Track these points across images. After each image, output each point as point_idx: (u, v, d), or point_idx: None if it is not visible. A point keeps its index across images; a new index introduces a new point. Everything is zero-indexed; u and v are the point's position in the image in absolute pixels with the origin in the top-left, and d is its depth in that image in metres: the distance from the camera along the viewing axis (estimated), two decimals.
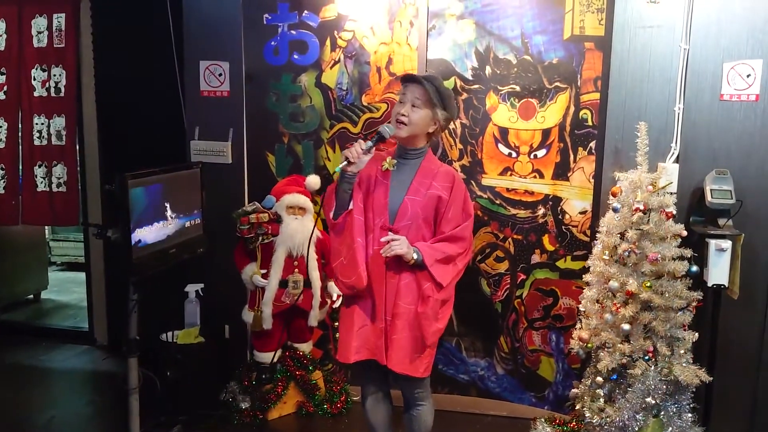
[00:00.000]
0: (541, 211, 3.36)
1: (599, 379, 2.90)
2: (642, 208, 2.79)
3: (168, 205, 2.82)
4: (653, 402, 2.75)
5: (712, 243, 2.93)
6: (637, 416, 2.76)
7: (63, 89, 4.14)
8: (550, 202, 3.35)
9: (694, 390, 2.82)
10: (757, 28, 3.02)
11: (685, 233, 2.82)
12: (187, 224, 2.99)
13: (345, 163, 2.34)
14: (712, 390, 3.04)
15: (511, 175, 3.38)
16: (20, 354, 4.32)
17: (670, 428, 2.78)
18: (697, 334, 2.81)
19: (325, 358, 3.71)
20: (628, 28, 3.12)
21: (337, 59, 3.51)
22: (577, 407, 3.04)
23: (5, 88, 4.20)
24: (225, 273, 3.53)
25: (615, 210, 2.90)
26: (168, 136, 3.80)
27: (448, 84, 3.37)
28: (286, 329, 3.47)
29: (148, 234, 2.68)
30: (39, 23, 4.13)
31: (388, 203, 2.44)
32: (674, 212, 2.82)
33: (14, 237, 4.97)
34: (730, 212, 3.00)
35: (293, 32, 3.54)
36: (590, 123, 3.25)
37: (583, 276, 3.07)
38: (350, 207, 2.42)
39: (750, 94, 3.06)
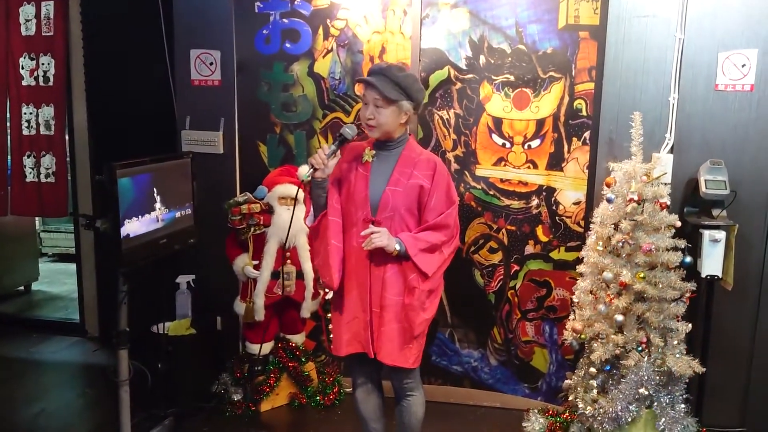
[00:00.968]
0: (534, 201, 3.35)
1: (592, 370, 2.89)
2: (636, 198, 2.77)
3: (158, 196, 2.79)
4: (646, 393, 2.75)
5: (706, 234, 2.92)
6: (630, 407, 2.76)
7: (52, 78, 4.09)
8: (544, 193, 3.33)
9: (687, 381, 2.82)
10: (752, 17, 3.01)
11: (679, 224, 2.81)
12: (178, 215, 2.95)
13: (311, 170, 2.35)
14: (705, 381, 3.04)
15: (504, 165, 3.36)
16: (10, 346, 4.29)
17: (663, 419, 2.78)
18: (690, 325, 2.80)
19: (317, 350, 3.70)
20: (623, 18, 3.10)
21: (329, 48, 3.47)
22: (571, 398, 3.04)
23: None
24: (217, 264, 3.50)
25: (609, 201, 2.89)
26: (159, 126, 3.77)
27: (442, 74, 3.34)
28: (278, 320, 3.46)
29: (137, 225, 2.64)
30: (27, 11, 4.07)
31: (368, 195, 2.42)
32: (668, 203, 2.81)
33: (4, 228, 4.93)
34: (724, 203, 3.00)
35: (285, 20, 3.50)
36: (584, 113, 3.23)
37: (577, 267, 3.06)
38: (326, 209, 2.44)
39: (745, 84, 3.05)
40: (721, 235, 2.92)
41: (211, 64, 3.58)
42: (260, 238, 3.33)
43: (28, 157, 4.15)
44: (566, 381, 3.14)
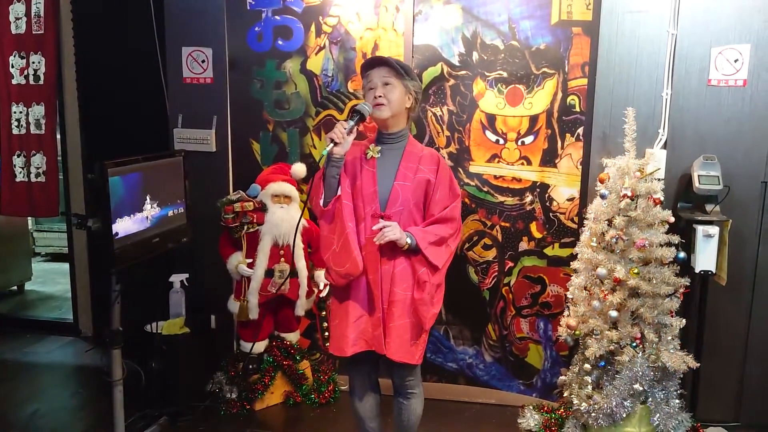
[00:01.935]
0: (528, 198, 3.35)
1: (587, 366, 2.90)
2: (630, 194, 2.78)
3: (150, 194, 2.77)
4: (641, 388, 2.75)
5: (700, 229, 2.93)
6: (625, 403, 2.76)
7: (42, 77, 4.05)
8: (538, 189, 3.33)
9: (681, 376, 2.83)
10: (744, 12, 3.01)
11: (672, 219, 2.81)
12: (170, 213, 2.94)
13: (331, 145, 2.30)
14: (700, 376, 3.05)
15: (498, 162, 3.35)
16: (4, 346, 4.27)
17: (658, 414, 2.79)
18: (684, 321, 2.81)
19: (312, 348, 3.69)
20: (615, 13, 3.10)
21: (322, 45, 3.46)
22: (565, 394, 3.05)
23: None
24: (210, 263, 3.49)
25: (603, 196, 2.89)
26: (151, 124, 3.74)
27: (435, 70, 3.34)
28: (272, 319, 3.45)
29: (129, 223, 2.63)
30: (17, 9, 4.03)
31: (377, 191, 2.41)
32: (662, 198, 2.81)
33: None
34: (718, 198, 3.00)
35: (277, 17, 3.48)
36: (578, 109, 3.23)
37: (571, 263, 3.06)
38: (339, 192, 2.38)
39: (738, 80, 3.05)
40: (714, 230, 2.92)
41: (203, 61, 3.56)
42: (254, 236, 3.32)
43: (18, 156, 4.12)
44: (561, 377, 3.15)
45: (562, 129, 3.26)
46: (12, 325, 4.66)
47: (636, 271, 2.75)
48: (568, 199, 3.30)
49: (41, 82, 4.06)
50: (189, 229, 3.09)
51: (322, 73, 3.48)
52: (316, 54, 3.47)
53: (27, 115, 4.08)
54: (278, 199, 3.30)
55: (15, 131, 4.11)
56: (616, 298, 2.79)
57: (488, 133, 3.35)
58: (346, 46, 3.44)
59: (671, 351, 2.76)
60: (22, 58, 4.05)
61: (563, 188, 3.30)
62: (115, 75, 3.89)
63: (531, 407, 3.26)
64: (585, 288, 2.95)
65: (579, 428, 2.96)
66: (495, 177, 3.37)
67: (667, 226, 2.81)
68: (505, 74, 3.28)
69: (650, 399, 2.79)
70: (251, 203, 3.29)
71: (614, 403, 2.76)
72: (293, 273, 3.35)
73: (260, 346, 3.44)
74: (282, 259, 3.33)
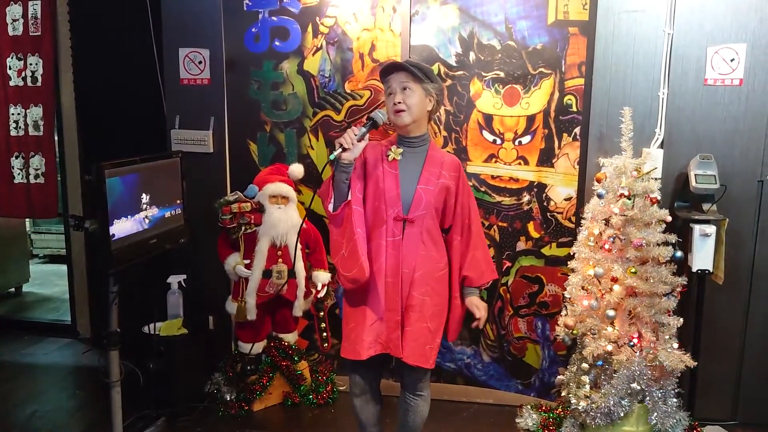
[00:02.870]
0: (526, 197, 3.35)
1: (585, 365, 2.90)
2: (626, 193, 2.78)
3: (147, 196, 2.77)
4: (638, 387, 2.76)
5: (697, 228, 2.93)
6: (623, 402, 2.76)
7: (40, 78, 4.05)
8: (535, 189, 3.33)
9: (678, 375, 2.83)
10: (740, 12, 3.02)
11: (669, 218, 2.81)
12: (168, 214, 2.94)
13: (340, 150, 2.28)
14: (697, 375, 3.06)
15: (495, 162, 3.36)
16: (2, 348, 4.26)
17: (656, 413, 2.79)
18: (681, 320, 2.81)
19: (310, 348, 3.69)
20: (612, 13, 3.11)
21: (319, 46, 3.46)
22: (563, 394, 3.05)
23: None
24: (208, 263, 3.49)
25: (600, 196, 2.89)
26: (148, 126, 3.74)
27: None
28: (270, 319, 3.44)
29: (126, 225, 2.63)
30: (14, 11, 4.03)
31: (400, 194, 2.40)
32: (659, 198, 2.82)
33: None
34: (714, 197, 3.01)
35: (274, 18, 3.48)
36: (575, 109, 3.23)
37: (568, 263, 3.07)
38: (349, 198, 2.37)
39: (734, 79, 3.06)
40: (711, 229, 2.93)
41: (200, 62, 3.56)
42: (251, 237, 3.31)
43: (17, 158, 4.12)
44: (559, 377, 3.15)
45: (559, 129, 3.27)
46: (10, 326, 4.65)
47: (633, 270, 2.76)
48: (566, 199, 3.30)
49: (39, 83, 4.06)
50: (186, 230, 3.09)
51: (319, 74, 3.49)
52: (313, 55, 3.47)
53: (25, 116, 4.08)
54: (276, 200, 3.30)
55: (13, 133, 4.11)
56: (614, 297, 2.79)
57: (485, 133, 3.35)
58: (343, 47, 3.44)
59: (668, 350, 2.76)
60: (20, 59, 4.06)
61: (560, 188, 3.30)
62: (112, 76, 3.89)
63: (529, 407, 3.27)
64: (582, 287, 2.95)
65: (577, 427, 2.96)
66: (492, 177, 3.37)
67: (664, 226, 2.81)
68: (502, 74, 3.28)
69: (648, 398, 2.79)
70: (249, 204, 3.29)
71: (612, 402, 2.76)
72: (291, 274, 3.35)
73: (258, 347, 3.44)
74: (280, 259, 3.33)
